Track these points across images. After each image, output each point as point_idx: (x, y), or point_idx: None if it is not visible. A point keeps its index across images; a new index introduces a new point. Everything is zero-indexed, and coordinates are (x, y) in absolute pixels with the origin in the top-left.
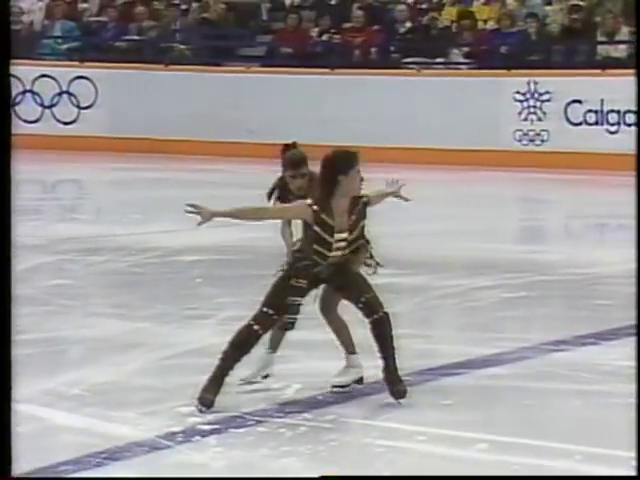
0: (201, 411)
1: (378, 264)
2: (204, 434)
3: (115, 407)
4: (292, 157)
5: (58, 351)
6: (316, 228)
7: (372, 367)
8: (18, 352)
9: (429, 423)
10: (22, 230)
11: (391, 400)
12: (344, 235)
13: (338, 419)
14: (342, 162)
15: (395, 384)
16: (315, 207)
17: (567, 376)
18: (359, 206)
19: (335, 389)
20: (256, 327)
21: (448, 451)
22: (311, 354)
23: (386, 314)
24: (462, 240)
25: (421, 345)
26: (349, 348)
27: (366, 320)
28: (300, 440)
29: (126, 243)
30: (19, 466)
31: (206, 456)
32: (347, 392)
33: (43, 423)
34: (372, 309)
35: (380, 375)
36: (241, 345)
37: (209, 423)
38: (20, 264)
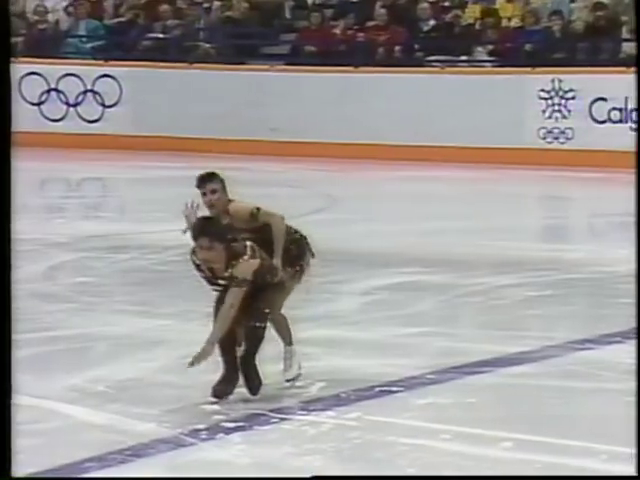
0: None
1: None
2: (228, 431)
3: (139, 404)
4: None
5: (82, 348)
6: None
7: (392, 365)
8: (42, 349)
9: (453, 421)
10: (47, 228)
11: (417, 398)
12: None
13: (362, 417)
14: (191, 230)
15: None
16: (194, 258)
17: (592, 375)
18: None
19: (290, 383)
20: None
21: (472, 449)
22: (334, 352)
23: (265, 327)
24: (486, 238)
25: (445, 343)
26: (287, 340)
27: (248, 327)
28: (323, 438)
29: (150, 241)
30: (42, 462)
31: (230, 454)
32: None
33: (67, 420)
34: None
35: (403, 374)
36: None
37: (233, 420)
38: (45, 262)
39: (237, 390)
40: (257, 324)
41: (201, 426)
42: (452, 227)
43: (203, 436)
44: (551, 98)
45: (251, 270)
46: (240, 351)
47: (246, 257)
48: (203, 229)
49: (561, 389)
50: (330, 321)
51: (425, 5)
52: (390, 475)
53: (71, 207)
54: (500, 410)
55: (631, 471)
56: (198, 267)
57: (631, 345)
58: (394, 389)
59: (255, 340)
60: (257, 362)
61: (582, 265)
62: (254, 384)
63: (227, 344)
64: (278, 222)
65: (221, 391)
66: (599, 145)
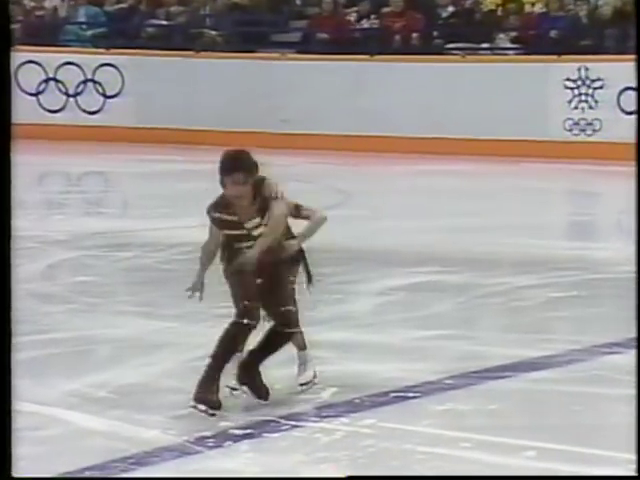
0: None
1: (310, 280)
2: (236, 439)
3: (143, 410)
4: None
5: (83, 351)
6: (226, 231)
7: (409, 370)
8: (41, 352)
9: (473, 429)
10: (45, 225)
11: (435, 404)
12: (256, 220)
13: (377, 424)
14: (221, 164)
15: (260, 387)
16: (216, 214)
17: (620, 380)
18: (266, 197)
19: (304, 387)
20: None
21: (493, 458)
22: (347, 356)
23: (292, 334)
24: (508, 236)
25: (465, 346)
26: (300, 345)
27: (273, 327)
28: (337, 446)
29: (153, 238)
30: (43, 470)
31: (238, 462)
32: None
33: (68, 427)
34: (287, 322)
35: (420, 379)
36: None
37: (241, 427)
38: (43, 260)
39: (245, 396)
40: (283, 327)
41: (208, 433)
42: (472, 224)
43: (210, 444)
44: (577, 87)
45: (285, 208)
46: (253, 346)
47: (279, 194)
48: (237, 164)
49: (587, 395)
50: (343, 323)
51: None
52: (405, 476)
53: (71, 203)
54: (523, 417)
55: None
56: (221, 222)
57: None
58: (410, 395)
59: (276, 344)
60: (260, 370)
61: (610, 264)
62: (262, 392)
63: (223, 353)
64: (321, 216)
65: (205, 399)
66: (628, 137)
